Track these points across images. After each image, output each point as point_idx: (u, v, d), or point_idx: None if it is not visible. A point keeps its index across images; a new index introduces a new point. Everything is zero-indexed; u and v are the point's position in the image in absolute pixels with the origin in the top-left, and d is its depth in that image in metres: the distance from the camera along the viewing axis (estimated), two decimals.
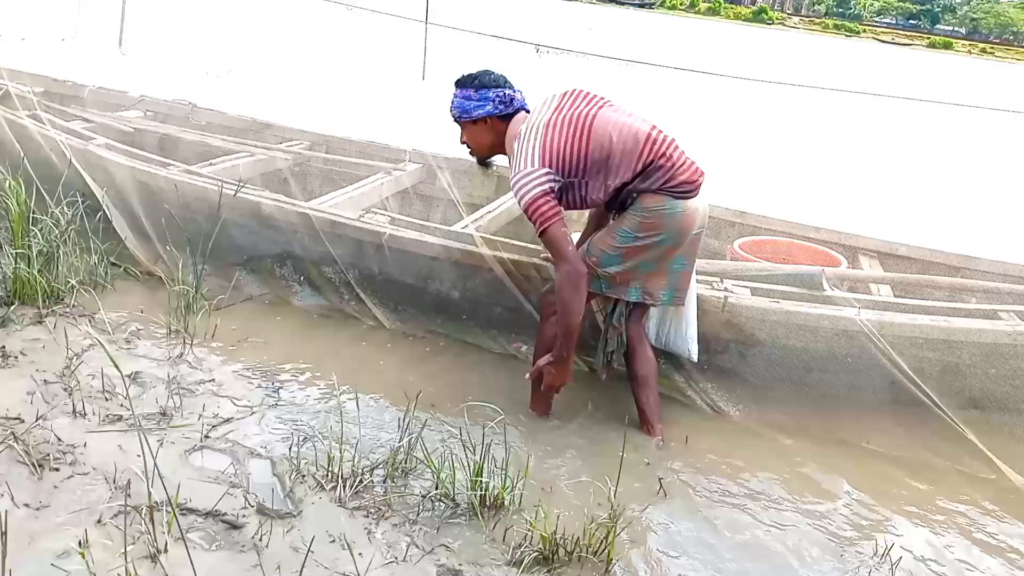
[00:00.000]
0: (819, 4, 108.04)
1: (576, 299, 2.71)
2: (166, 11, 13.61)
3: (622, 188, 2.76)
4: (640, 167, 2.71)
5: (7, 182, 3.63)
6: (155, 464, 2.23)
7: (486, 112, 2.88)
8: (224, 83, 8.20)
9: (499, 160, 3.10)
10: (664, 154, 2.73)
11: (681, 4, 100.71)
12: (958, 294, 3.80)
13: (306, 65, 11.54)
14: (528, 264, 3.36)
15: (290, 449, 2.57)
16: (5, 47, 8.97)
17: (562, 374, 2.85)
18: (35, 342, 3.06)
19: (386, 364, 3.32)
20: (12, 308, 3.23)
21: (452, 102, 2.95)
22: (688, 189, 2.76)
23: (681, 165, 2.75)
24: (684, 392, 3.30)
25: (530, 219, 2.71)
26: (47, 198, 3.81)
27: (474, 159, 3.10)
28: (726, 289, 3.26)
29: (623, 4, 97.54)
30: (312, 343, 3.44)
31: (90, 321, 3.30)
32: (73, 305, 3.38)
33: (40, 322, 3.21)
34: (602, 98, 2.88)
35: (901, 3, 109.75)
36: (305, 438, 2.67)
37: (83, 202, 3.84)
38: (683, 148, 2.83)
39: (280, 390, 2.99)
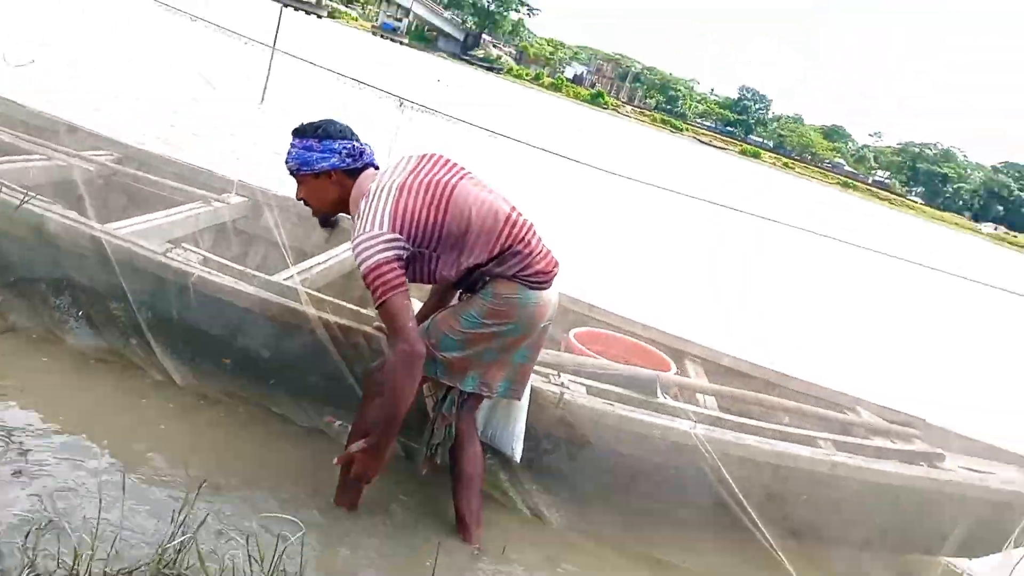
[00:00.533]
0: (650, 98, 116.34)
1: (408, 383, 2.37)
2: None
3: (475, 269, 2.54)
4: (497, 250, 2.51)
5: None
6: None
7: (330, 165, 2.56)
8: (25, 74, 7.22)
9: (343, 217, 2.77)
10: (522, 239, 2.54)
11: (527, 75, 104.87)
12: (772, 412, 3.85)
13: (133, 70, 10.60)
14: (358, 331, 3.02)
15: (26, 538, 2.04)
16: None
17: (375, 464, 2.46)
18: None
19: (169, 431, 2.83)
20: None
21: (289, 153, 2.61)
22: (542, 280, 2.58)
23: (538, 253, 2.58)
24: (505, 492, 3.05)
25: (369, 287, 2.38)
26: None
27: (315, 217, 2.75)
28: (563, 384, 3.08)
29: (472, 64, 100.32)
30: (83, 395, 2.89)
31: None
32: None
33: None
34: (463, 168, 2.65)
35: (721, 110, 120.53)
36: (49, 523, 2.14)
37: None
38: (540, 235, 2.65)
39: (28, 454, 2.43)
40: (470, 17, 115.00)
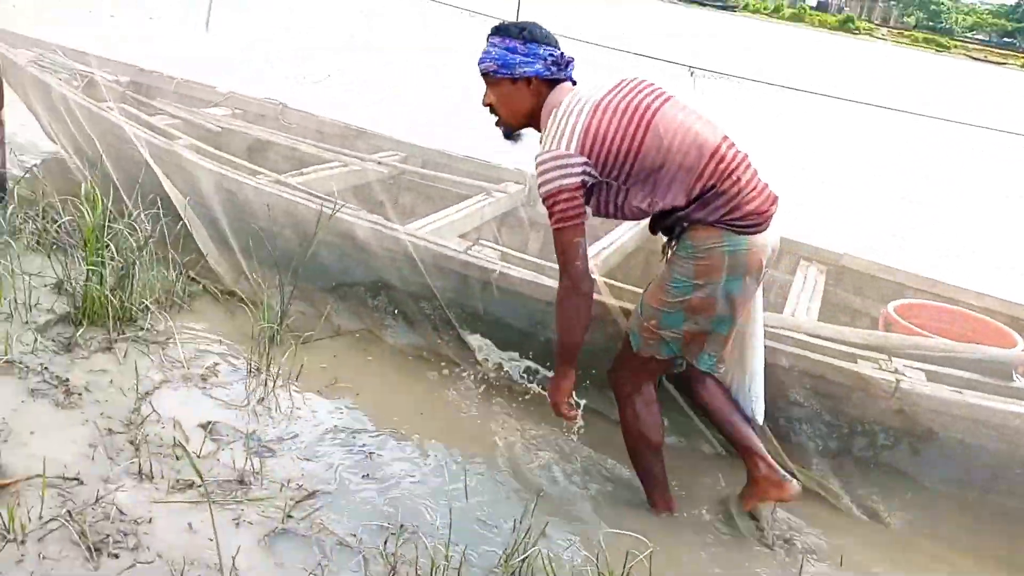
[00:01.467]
0: (908, 16, 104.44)
1: (571, 319, 2.30)
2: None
3: (670, 213, 2.26)
4: (697, 191, 2.19)
5: (83, 186, 3.31)
6: (232, 562, 1.86)
7: (533, 71, 2.31)
8: (315, 85, 7.83)
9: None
10: (729, 174, 2.19)
11: (764, 8, 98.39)
12: None
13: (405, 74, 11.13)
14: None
15: (384, 544, 2.15)
16: (93, 22, 8.86)
17: (555, 393, 2.45)
18: (102, 375, 2.71)
19: (493, 426, 2.89)
20: (80, 331, 2.90)
21: (487, 52, 2.35)
22: (756, 222, 2.21)
23: (751, 190, 2.21)
24: (833, 491, 2.78)
25: (548, 209, 2.24)
26: (126, 201, 3.51)
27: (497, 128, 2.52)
28: (897, 371, 2.74)
29: (704, 5, 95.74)
30: (409, 393, 3.03)
31: (163, 350, 2.95)
32: (146, 328, 3.03)
33: (109, 348, 2.87)
34: (668, 93, 2.34)
35: (995, 20, 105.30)
36: (401, 528, 2.25)
37: (162, 208, 3.51)
38: (755, 166, 2.29)
39: (372, 455, 2.58)
40: None
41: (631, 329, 2.45)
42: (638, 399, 2.45)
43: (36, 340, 2.79)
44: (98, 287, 2.96)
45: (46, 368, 2.66)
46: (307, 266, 3.30)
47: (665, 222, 2.31)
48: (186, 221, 3.52)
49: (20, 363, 2.64)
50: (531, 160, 4.29)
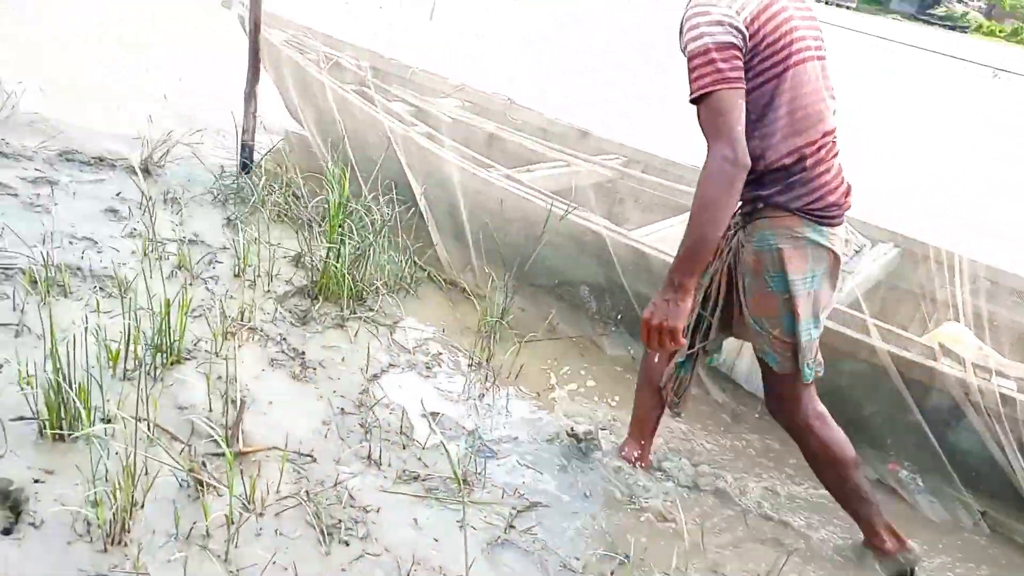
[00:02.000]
0: None
1: (725, 200, 1.80)
2: None
3: (756, 176, 1.91)
4: (789, 161, 1.90)
5: (328, 165, 3.41)
6: (467, 572, 1.77)
7: None
8: (537, 80, 7.77)
9: None
10: (823, 163, 1.95)
11: (1000, 31, 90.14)
12: None
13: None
14: (920, 364, 2.57)
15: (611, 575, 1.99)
16: (328, 10, 9.35)
17: (672, 314, 1.87)
18: (334, 351, 2.74)
19: (730, 456, 2.66)
20: (317, 306, 2.95)
21: None
22: (835, 213, 1.97)
23: (836, 181, 1.98)
24: None
25: (691, 74, 1.82)
26: (362, 183, 3.57)
27: None
28: None
29: (931, 23, 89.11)
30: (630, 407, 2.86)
31: (391, 333, 2.95)
32: (375, 310, 3.05)
33: (341, 326, 2.90)
34: (824, 54, 2.03)
35: None
36: (627, 560, 2.07)
37: (396, 193, 3.55)
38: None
39: (593, 472, 2.43)
40: None
41: (763, 352, 2.09)
42: (814, 422, 2.12)
43: (276, 310, 2.87)
44: (336, 264, 3.00)
45: (284, 339, 2.72)
46: (531, 263, 3.21)
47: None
48: (421, 208, 3.54)
49: (261, 331, 2.72)
50: None
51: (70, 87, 4.39)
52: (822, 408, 2.13)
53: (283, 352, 2.63)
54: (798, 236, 1.94)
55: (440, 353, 2.91)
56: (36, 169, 3.45)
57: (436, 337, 3.03)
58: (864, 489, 2.15)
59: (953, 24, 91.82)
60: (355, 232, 3.16)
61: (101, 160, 3.69)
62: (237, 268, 3.05)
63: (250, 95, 3.88)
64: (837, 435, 2.11)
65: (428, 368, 2.81)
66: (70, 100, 4.23)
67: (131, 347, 2.27)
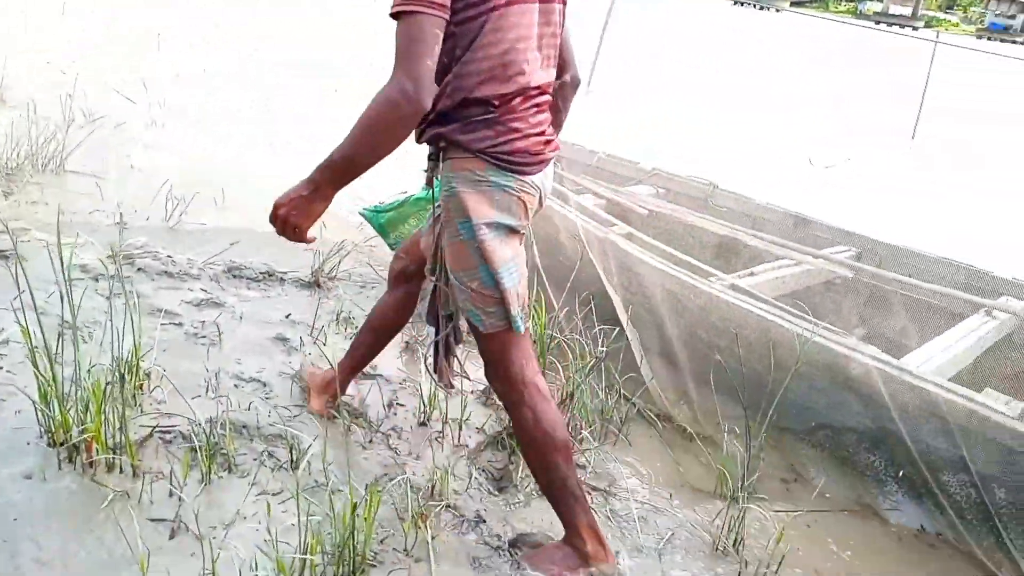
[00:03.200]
0: None
1: (389, 132, 1.62)
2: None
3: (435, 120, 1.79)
4: (484, 104, 1.76)
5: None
6: None
7: None
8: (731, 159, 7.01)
9: None
10: (513, 109, 1.79)
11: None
12: None
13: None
14: None
15: None
16: None
17: (298, 208, 1.71)
18: (541, 529, 2.18)
19: None
20: (516, 465, 2.41)
21: None
22: (524, 161, 1.82)
23: (531, 130, 1.83)
24: None
25: None
26: (551, 298, 3.05)
27: None
28: None
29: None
30: None
31: (606, 501, 2.36)
32: (586, 467, 2.48)
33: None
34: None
35: None
36: None
37: (594, 309, 3.00)
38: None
39: None
40: None
41: (466, 310, 1.91)
42: (531, 388, 1.94)
43: (471, 476, 2.34)
44: None
45: (482, 519, 2.18)
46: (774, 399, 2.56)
47: (426, 131, 1.84)
48: (625, 328, 2.97)
49: (455, 508, 2.19)
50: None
51: (239, 194, 4.16)
52: (542, 379, 1.98)
53: (485, 542, 2.09)
54: (481, 179, 1.80)
55: (672, 532, 2.28)
56: (202, 289, 3.14)
57: (660, 505, 2.41)
58: (571, 481, 1.97)
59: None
60: (557, 368, 2.62)
61: (270, 275, 3.36)
62: (422, 414, 2.56)
63: None
64: (551, 412, 1.96)
65: (659, 556, 2.19)
66: (239, 207, 3.98)
67: (308, 559, 1.79)
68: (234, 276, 3.28)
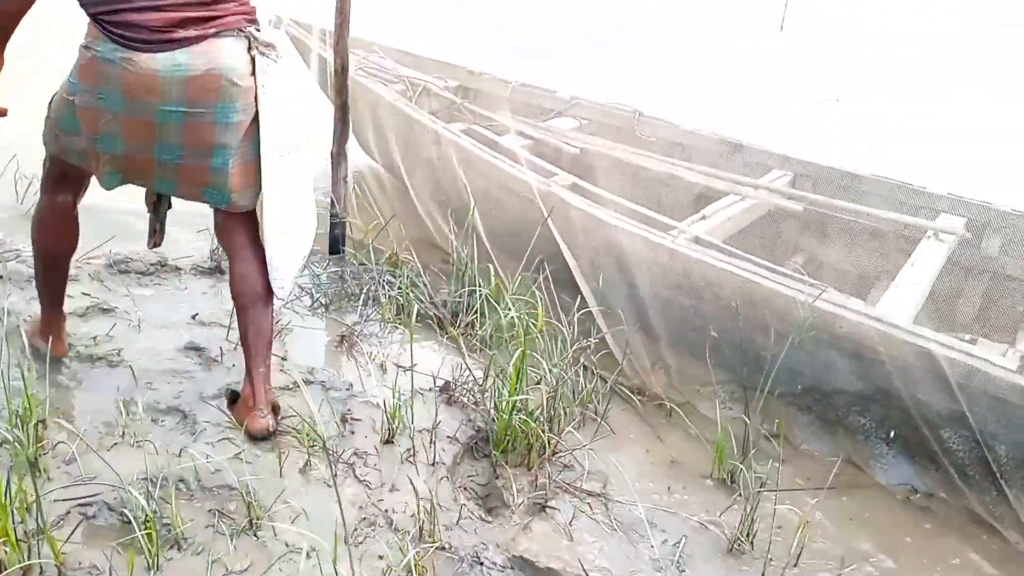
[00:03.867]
0: None
1: None
2: None
3: None
4: None
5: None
6: None
7: None
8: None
9: None
10: None
11: None
12: None
13: None
14: None
15: None
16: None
17: None
18: (551, 558, 1.93)
19: None
20: (501, 479, 2.14)
21: None
22: (137, 36, 1.73)
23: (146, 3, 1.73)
24: None
25: None
26: (498, 270, 2.75)
27: None
28: None
29: None
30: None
31: (606, 508, 2.14)
32: (575, 467, 2.25)
33: (543, 508, 2.09)
34: None
35: None
36: None
37: (548, 272, 2.72)
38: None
39: None
40: None
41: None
42: (52, 203, 2.05)
43: (458, 502, 2.04)
44: (525, 419, 2.17)
45: (479, 559, 1.90)
46: (758, 364, 2.41)
47: None
48: (584, 294, 2.70)
49: (450, 548, 1.90)
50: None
51: None
52: (70, 208, 2.07)
53: None
54: (90, 47, 1.76)
55: (685, 538, 2.09)
56: (84, 293, 2.58)
57: (667, 504, 2.22)
58: (58, 283, 2.17)
59: None
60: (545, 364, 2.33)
61: (162, 265, 2.83)
62: (385, 430, 2.21)
63: (339, 156, 2.98)
64: (66, 226, 2.09)
65: (677, 564, 2.00)
66: None
67: None
68: (120, 271, 2.73)
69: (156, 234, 2.20)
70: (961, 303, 3.18)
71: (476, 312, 2.77)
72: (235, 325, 2.50)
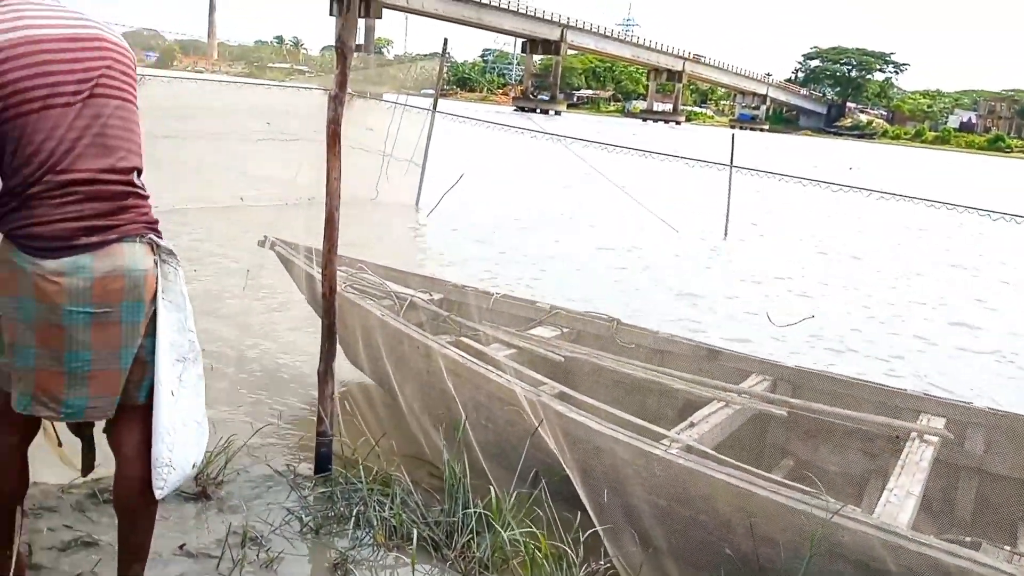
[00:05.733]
0: None
1: None
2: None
3: None
4: (7, 196, 1.84)
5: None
6: None
7: None
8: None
9: None
10: (37, 196, 1.83)
11: (905, 134, 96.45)
12: None
13: None
14: None
15: None
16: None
17: None
18: None
19: None
20: None
21: None
22: (46, 246, 1.85)
23: (58, 218, 1.84)
24: None
25: None
26: (492, 485, 2.72)
27: None
28: None
29: (840, 135, 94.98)
30: None
31: None
32: None
33: None
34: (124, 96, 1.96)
35: None
36: None
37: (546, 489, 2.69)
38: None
39: None
40: (829, 89, 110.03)
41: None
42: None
43: None
44: None
45: None
46: None
47: None
48: (589, 511, 2.66)
49: None
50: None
51: None
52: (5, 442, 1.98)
53: None
54: (4, 260, 1.86)
55: None
56: (65, 525, 2.48)
57: None
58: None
59: (861, 132, 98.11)
60: None
61: None
62: None
63: (326, 374, 3.01)
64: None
65: None
66: None
67: None
68: (105, 501, 2.62)
69: (86, 457, 2.15)
70: (957, 503, 3.19)
71: (472, 532, 2.69)
72: (226, 557, 2.41)
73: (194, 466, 2.05)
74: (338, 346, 3.12)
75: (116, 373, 1.93)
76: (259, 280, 5.55)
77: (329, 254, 3.01)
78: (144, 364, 1.96)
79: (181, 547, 2.48)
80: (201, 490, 2.81)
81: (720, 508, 2.52)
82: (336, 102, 2.95)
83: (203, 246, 7.14)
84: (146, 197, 1.97)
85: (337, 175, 2.97)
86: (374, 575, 2.49)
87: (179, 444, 1.98)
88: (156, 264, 1.96)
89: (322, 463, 3.05)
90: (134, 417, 1.99)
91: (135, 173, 1.93)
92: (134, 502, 1.99)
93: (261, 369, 4.44)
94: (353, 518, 2.74)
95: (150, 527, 2.07)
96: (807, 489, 2.48)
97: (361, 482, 2.91)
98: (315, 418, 3.07)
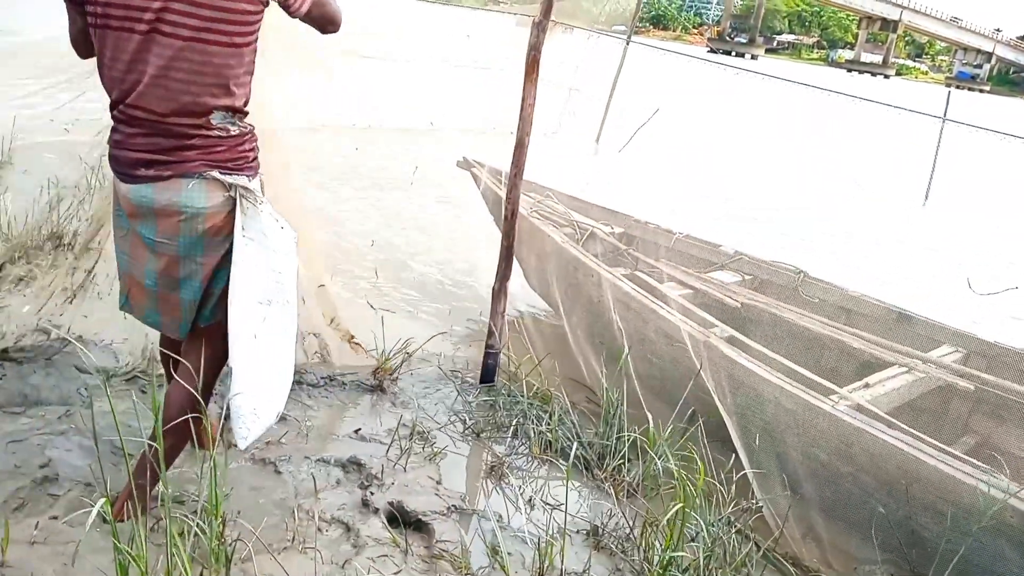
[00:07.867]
0: None
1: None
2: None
3: None
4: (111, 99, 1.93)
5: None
6: None
7: None
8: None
9: None
10: (117, 119, 1.93)
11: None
12: None
13: None
14: None
15: None
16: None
17: None
18: None
19: None
20: None
21: None
22: (116, 169, 1.97)
23: (126, 147, 1.93)
24: None
25: None
26: (649, 418, 2.74)
27: None
28: None
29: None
30: None
31: None
32: None
33: None
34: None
35: None
36: None
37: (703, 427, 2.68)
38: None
39: None
40: None
41: None
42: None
43: None
44: None
45: None
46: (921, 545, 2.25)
47: None
48: (740, 455, 2.64)
49: None
50: None
51: None
52: None
53: None
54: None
55: None
56: None
57: None
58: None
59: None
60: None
61: (331, 379, 2.99)
62: (535, 568, 2.18)
63: (500, 292, 3.13)
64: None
65: None
66: None
67: None
68: (295, 383, 2.89)
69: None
70: None
71: (624, 457, 2.75)
72: (395, 445, 2.61)
73: (278, 415, 1.98)
74: (515, 266, 3.23)
75: (177, 301, 1.98)
76: (451, 201, 5.79)
77: (515, 178, 3.09)
78: (211, 296, 1.98)
79: (356, 431, 2.70)
80: (378, 383, 3.03)
81: (885, 469, 2.42)
82: (539, 28, 2.98)
83: (392, 164, 7.46)
84: (227, 136, 1.93)
85: (532, 101, 3.02)
86: (526, 483, 2.61)
87: (264, 392, 1.92)
88: (230, 201, 1.94)
89: (488, 373, 3.20)
90: (194, 340, 2.03)
91: (213, 113, 1.89)
92: (169, 423, 1.91)
93: (444, 279, 4.65)
94: (512, 428, 2.88)
95: (171, 458, 2.03)
96: (981, 465, 2.33)
97: (522, 396, 3.04)
98: (486, 331, 3.22)
